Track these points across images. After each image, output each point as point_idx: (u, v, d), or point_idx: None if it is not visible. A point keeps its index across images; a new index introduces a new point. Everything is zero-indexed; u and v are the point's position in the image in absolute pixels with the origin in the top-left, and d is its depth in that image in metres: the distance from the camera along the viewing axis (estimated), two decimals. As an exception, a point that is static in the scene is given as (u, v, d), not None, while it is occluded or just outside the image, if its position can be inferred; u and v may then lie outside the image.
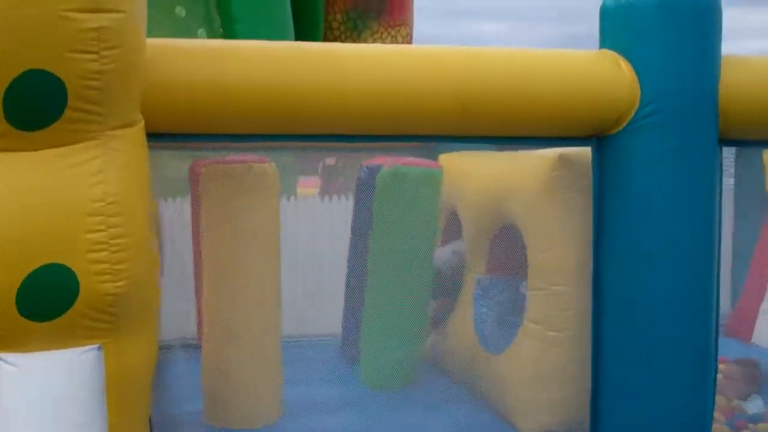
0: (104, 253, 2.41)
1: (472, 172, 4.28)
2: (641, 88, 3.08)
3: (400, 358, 4.02)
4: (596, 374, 3.27)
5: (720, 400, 4.52)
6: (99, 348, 2.55)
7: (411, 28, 6.40)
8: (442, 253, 4.73)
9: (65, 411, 2.50)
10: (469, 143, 3.26)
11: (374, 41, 6.12)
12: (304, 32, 5.69)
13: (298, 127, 2.89)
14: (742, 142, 3.42)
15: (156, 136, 2.76)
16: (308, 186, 6.21)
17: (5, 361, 2.47)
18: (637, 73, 3.09)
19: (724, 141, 3.27)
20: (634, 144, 3.12)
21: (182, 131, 2.90)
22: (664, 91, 3.08)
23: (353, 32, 6.09)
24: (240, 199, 3.43)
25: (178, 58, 2.79)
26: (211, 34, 5.49)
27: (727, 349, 4.77)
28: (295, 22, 5.63)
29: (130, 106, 2.51)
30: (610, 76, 3.08)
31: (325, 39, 5.92)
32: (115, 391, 2.61)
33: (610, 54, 3.14)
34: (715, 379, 3.33)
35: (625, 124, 3.11)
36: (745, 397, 4.50)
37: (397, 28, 6.29)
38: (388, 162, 4.07)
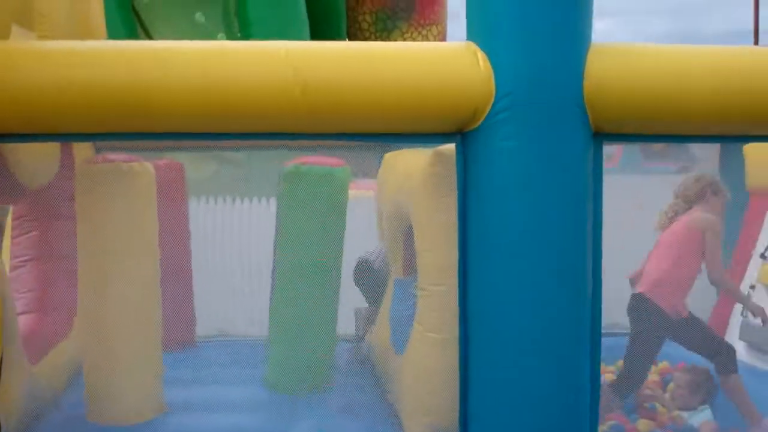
0: None
1: (396, 170, 4.22)
2: (496, 81, 2.97)
3: (304, 362, 3.96)
4: (465, 376, 3.17)
5: (661, 410, 4.39)
6: None
7: (443, 27, 6.33)
8: (381, 252, 4.68)
9: None
10: (321, 140, 3.17)
11: (405, 40, 6.09)
12: (326, 32, 5.68)
13: (135, 125, 2.89)
14: (626, 137, 3.25)
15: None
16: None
17: None
18: (493, 66, 2.98)
19: (604, 135, 3.15)
20: (491, 140, 3.00)
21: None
22: (519, 85, 2.95)
23: (383, 33, 6.06)
24: (110, 199, 3.44)
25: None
26: (231, 38, 5.55)
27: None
28: (318, 22, 5.61)
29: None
30: (463, 70, 2.97)
31: (356, 39, 5.91)
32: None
33: (470, 47, 3.04)
34: (595, 382, 3.20)
35: (482, 119, 3.01)
36: (692, 408, 4.34)
37: (428, 27, 6.21)
38: (300, 161, 4.04)
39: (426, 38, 6.19)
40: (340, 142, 3.54)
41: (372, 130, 3.07)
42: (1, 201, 3.82)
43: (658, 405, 4.29)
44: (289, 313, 4.01)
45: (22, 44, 3.01)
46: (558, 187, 3.01)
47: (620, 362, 5.12)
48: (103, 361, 3.53)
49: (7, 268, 3.96)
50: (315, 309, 4.00)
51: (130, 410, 3.53)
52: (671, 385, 4.58)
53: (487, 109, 2.99)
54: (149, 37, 4.87)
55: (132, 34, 4.91)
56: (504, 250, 3.03)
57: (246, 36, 5.43)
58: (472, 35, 3.09)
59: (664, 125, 3.14)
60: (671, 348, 5.01)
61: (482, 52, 3.01)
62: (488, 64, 2.99)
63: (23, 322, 4.24)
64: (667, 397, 4.47)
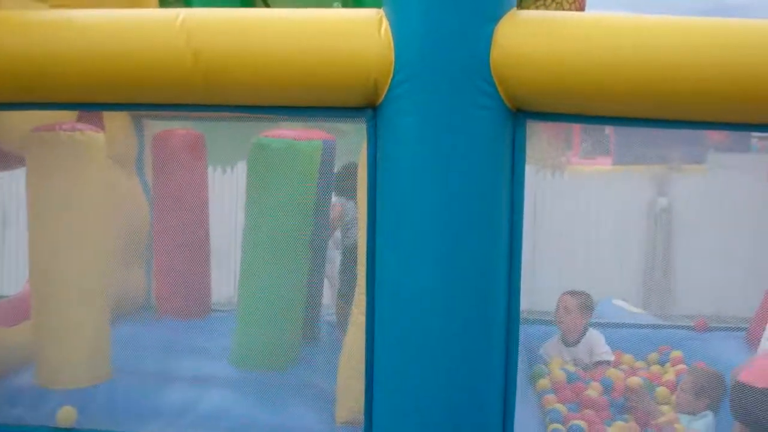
0: None
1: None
2: (396, 51, 2.79)
3: (268, 339, 3.92)
4: (370, 361, 3.03)
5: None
6: None
7: (582, -6, 6.17)
8: None
9: None
10: (222, 111, 3.09)
11: (537, 8, 5.98)
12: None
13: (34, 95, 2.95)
14: (553, 116, 2.95)
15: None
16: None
17: None
18: (394, 35, 2.80)
19: (527, 114, 2.89)
20: (392, 115, 2.83)
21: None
22: (418, 56, 2.76)
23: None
24: (52, 166, 3.52)
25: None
26: (346, 5, 5.63)
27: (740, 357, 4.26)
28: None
29: None
30: (361, 40, 2.81)
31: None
32: None
33: (378, 15, 2.86)
34: (511, 372, 2.98)
35: (384, 92, 2.84)
36: (695, 412, 3.98)
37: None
38: (269, 134, 3.99)
39: (561, 6, 5.95)
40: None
41: (274, 103, 2.96)
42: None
43: (629, 418, 3.91)
44: (253, 290, 3.98)
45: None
46: (463, 168, 2.80)
47: (652, 355, 4.78)
48: (49, 325, 3.63)
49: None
50: (280, 285, 3.94)
51: (76, 375, 3.62)
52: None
53: (388, 81, 2.82)
54: (266, 5, 4.93)
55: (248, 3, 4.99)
56: (410, 233, 2.87)
57: (358, 3, 5.43)
58: (385, 1, 2.91)
59: (593, 104, 2.82)
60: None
61: (387, 20, 2.84)
62: (389, 33, 2.81)
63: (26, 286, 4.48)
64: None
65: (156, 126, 5.22)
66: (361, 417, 3.24)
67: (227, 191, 5.97)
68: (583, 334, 4.51)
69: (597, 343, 4.51)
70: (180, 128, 5.07)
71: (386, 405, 3.00)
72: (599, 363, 4.43)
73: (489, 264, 2.88)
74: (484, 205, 2.84)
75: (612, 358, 4.48)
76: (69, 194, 3.55)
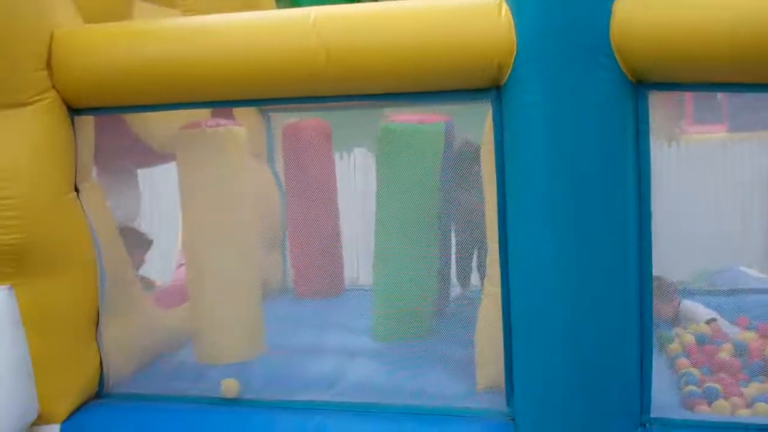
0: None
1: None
2: (517, 33, 2.92)
3: (405, 313, 4.13)
4: (508, 329, 3.21)
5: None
6: (9, 288, 3.17)
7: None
8: None
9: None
10: (353, 101, 3.28)
11: None
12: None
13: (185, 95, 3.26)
14: (677, 86, 3.01)
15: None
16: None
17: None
18: (515, 17, 2.93)
19: (649, 85, 2.97)
20: (518, 94, 2.97)
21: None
22: (540, 36, 2.89)
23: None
24: (200, 161, 3.84)
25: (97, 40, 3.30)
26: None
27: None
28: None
29: (11, 89, 3.07)
30: (483, 24, 2.96)
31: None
32: (35, 326, 3.23)
33: (497, 0, 3.01)
34: (647, 334, 3.09)
35: (508, 73, 2.98)
36: None
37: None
38: (398, 118, 4.19)
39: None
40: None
41: (401, 90, 3.16)
42: (140, 162, 4.39)
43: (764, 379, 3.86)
44: (389, 265, 4.20)
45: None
46: (589, 142, 2.92)
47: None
48: (204, 305, 3.97)
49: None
50: (412, 261, 4.14)
51: (233, 350, 3.94)
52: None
53: (511, 62, 2.96)
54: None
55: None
56: (541, 206, 3.01)
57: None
58: (496, -12, 3.05)
59: (712, 71, 2.88)
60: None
61: (506, 5, 2.98)
62: (510, 16, 2.95)
63: (178, 272, 4.86)
64: None
65: (282, 118, 5.52)
66: (500, 383, 3.42)
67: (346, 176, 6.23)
68: (677, 311, 4.48)
69: (694, 312, 4.46)
70: (309, 119, 5.36)
71: (525, 371, 3.16)
72: (708, 322, 4.39)
73: (619, 232, 2.98)
74: (611, 175, 2.94)
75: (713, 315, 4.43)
76: (218, 186, 3.85)
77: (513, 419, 3.24)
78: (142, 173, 5.05)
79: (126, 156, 4.26)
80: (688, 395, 3.47)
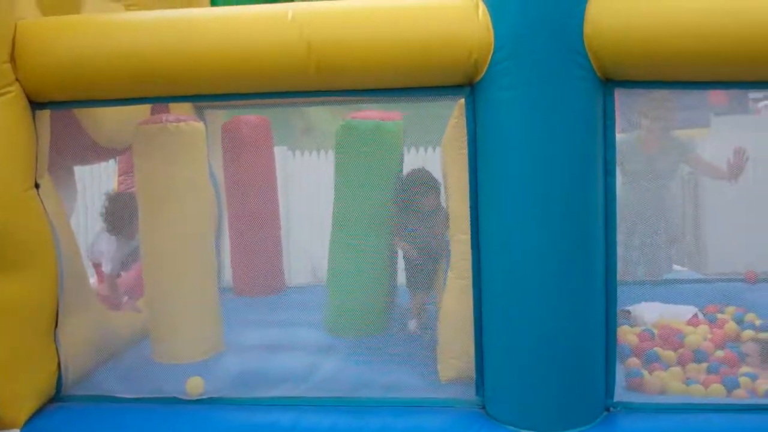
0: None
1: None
2: (495, 32, 3.01)
3: (359, 309, 4.15)
4: (479, 321, 3.30)
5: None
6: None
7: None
8: None
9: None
10: (333, 96, 3.30)
11: None
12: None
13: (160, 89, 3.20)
14: (641, 83, 3.17)
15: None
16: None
17: None
18: (492, 16, 3.02)
19: (615, 83, 3.11)
20: (493, 91, 3.05)
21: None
22: (517, 34, 2.98)
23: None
24: (160, 156, 3.77)
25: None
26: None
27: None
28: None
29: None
30: (462, 22, 3.04)
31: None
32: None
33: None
34: (611, 329, 3.23)
35: (484, 70, 3.06)
36: None
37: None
38: (361, 115, 4.21)
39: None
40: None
41: (378, 86, 3.19)
42: (80, 158, 4.27)
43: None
44: (345, 260, 4.22)
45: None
46: (562, 136, 3.03)
47: (731, 309, 4.86)
48: (163, 303, 3.90)
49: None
50: (366, 257, 4.18)
51: (190, 350, 3.88)
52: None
53: (488, 60, 3.04)
54: None
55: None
56: (513, 199, 3.09)
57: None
58: (473, -13, 3.13)
59: (679, 70, 3.05)
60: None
61: (483, 4, 3.06)
62: (487, 14, 3.03)
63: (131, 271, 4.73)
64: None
65: (217, 115, 5.44)
66: (464, 374, 3.50)
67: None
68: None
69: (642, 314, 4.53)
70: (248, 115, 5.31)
71: (495, 360, 3.25)
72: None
73: (589, 224, 3.11)
74: (581, 169, 3.06)
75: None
76: (178, 181, 3.78)
77: (483, 407, 3.33)
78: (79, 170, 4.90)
79: (74, 151, 4.11)
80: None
